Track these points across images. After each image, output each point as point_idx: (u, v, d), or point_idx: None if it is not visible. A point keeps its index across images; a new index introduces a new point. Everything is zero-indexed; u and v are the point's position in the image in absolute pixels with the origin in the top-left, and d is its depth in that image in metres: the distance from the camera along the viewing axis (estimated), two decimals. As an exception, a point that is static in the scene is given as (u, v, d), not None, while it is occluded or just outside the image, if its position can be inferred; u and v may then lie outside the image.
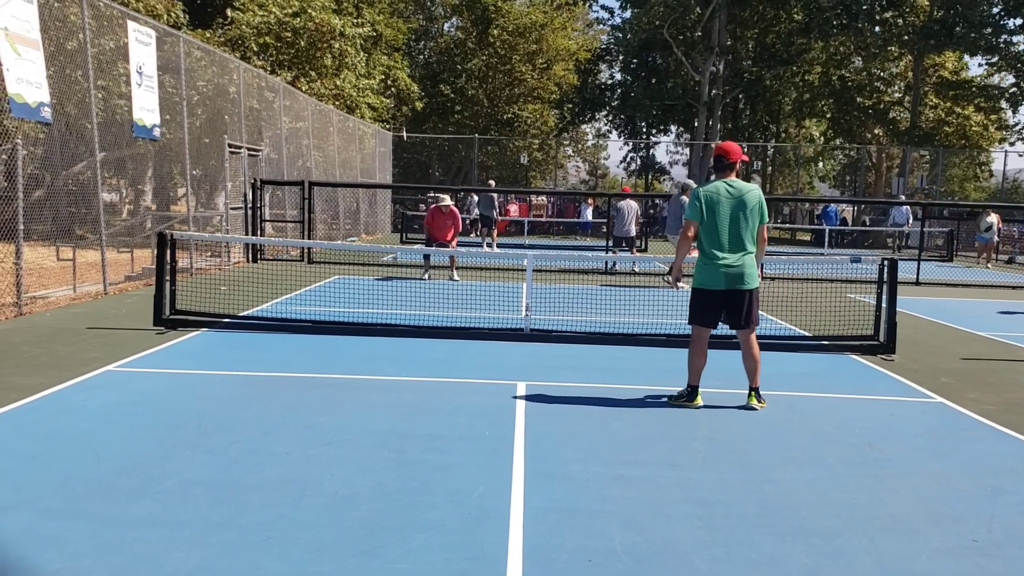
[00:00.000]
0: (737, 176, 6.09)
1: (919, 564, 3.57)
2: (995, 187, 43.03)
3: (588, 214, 32.87)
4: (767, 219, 6.11)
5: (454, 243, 14.66)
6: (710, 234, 5.92)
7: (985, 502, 4.35)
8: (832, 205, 31.94)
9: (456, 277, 14.45)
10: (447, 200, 14.61)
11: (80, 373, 6.49)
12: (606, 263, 16.94)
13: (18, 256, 9.13)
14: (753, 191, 6.00)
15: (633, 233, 17.10)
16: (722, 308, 6.00)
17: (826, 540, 3.78)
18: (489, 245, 20.86)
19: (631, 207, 17.51)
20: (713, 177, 6.17)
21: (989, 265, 20.67)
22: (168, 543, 3.50)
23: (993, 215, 21.92)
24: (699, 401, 6.10)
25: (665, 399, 6.26)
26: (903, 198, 30.33)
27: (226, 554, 3.43)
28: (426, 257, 15.13)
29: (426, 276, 14.56)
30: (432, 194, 18.44)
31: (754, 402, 6.11)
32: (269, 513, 3.86)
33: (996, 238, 22.02)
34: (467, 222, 27.94)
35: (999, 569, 3.55)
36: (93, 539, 3.52)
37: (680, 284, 6.40)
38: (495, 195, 21.68)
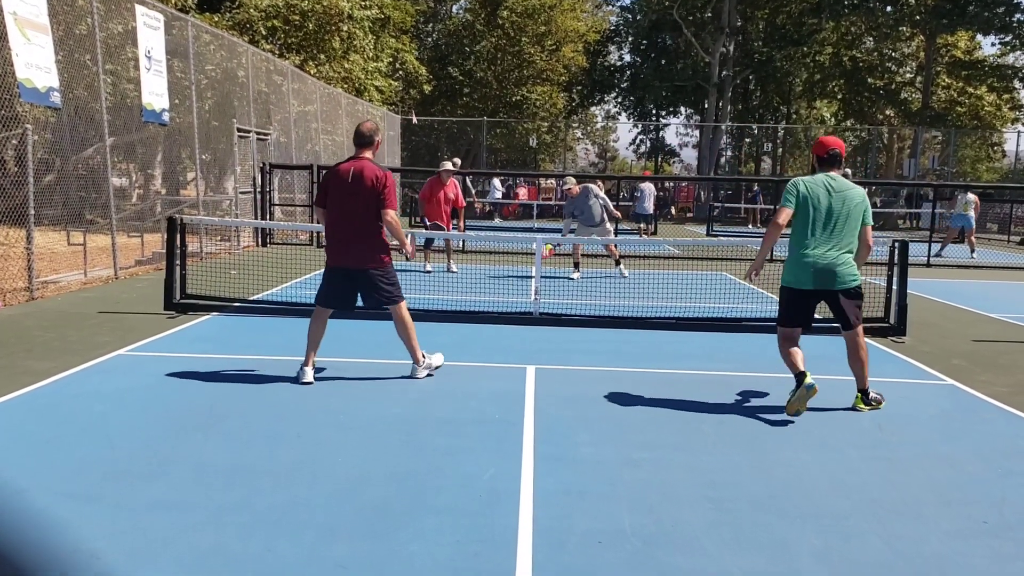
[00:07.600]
0: (838, 172, 5.67)
1: (929, 546, 3.58)
2: (1008, 168, 42.73)
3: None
4: (871, 221, 5.60)
5: (450, 226, 12.60)
6: (801, 228, 5.53)
7: (996, 484, 4.35)
8: None
9: (454, 268, 12.61)
10: (449, 165, 12.56)
11: (92, 357, 6.54)
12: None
13: (29, 241, 9.18)
14: (857, 190, 5.57)
15: (650, 211, 19.27)
16: (811, 308, 5.63)
17: (836, 522, 3.78)
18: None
19: (650, 189, 20.17)
20: (803, 175, 5.79)
21: (974, 255, 18.96)
22: (181, 526, 3.53)
23: (971, 194, 19.36)
24: (809, 380, 5.37)
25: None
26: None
27: (239, 537, 3.46)
28: (426, 243, 12.92)
29: (428, 267, 12.59)
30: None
31: (860, 405, 5.69)
32: (281, 496, 3.89)
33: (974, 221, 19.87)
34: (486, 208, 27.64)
35: (1010, 551, 3.55)
36: (108, 522, 3.56)
37: (754, 278, 5.84)
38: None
